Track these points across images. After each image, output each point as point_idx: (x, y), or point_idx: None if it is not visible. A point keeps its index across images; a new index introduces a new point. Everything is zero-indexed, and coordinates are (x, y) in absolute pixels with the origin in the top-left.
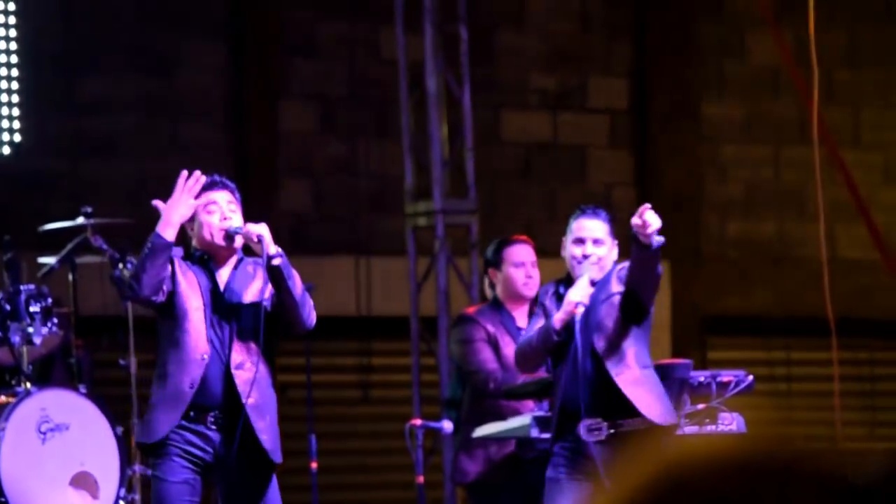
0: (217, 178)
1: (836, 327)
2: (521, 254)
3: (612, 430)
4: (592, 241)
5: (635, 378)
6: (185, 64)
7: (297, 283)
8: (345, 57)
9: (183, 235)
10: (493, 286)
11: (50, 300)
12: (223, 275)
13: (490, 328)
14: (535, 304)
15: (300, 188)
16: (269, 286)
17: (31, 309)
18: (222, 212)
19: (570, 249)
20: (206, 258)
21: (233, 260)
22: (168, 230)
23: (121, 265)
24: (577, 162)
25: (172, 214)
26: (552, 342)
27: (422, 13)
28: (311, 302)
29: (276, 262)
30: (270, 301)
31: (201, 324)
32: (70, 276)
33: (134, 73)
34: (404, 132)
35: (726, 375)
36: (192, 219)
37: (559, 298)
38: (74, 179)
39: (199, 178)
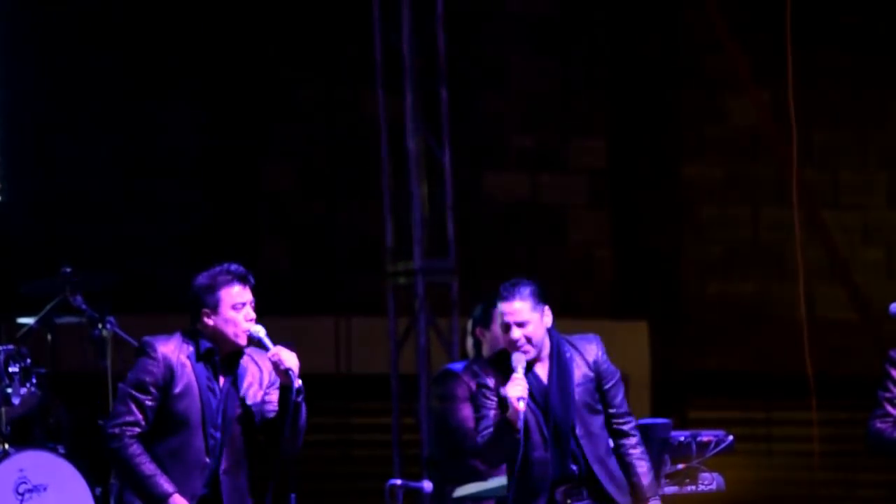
0: (244, 269)
1: (816, 387)
2: None
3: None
4: (516, 325)
5: (604, 455)
6: (164, 124)
7: (303, 415)
8: (324, 117)
9: (194, 321)
10: (478, 345)
11: (29, 360)
12: (227, 373)
13: (473, 385)
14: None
15: (279, 248)
16: (267, 391)
17: (10, 369)
18: (248, 312)
19: (501, 334)
20: (212, 353)
21: (236, 357)
22: None
23: (100, 325)
24: (556, 221)
25: None
26: (516, 439)
27: (402, 74)
28: (304, 427)
29: (300, 397)
30: (270, 408)
31: (199, 430)
32: (49, 336)
33: (113, 133)
34: (384, 192)
35: (706, 435)
36: (215, 309)
37: (487, 388)
38: (53, 239)
39: None
